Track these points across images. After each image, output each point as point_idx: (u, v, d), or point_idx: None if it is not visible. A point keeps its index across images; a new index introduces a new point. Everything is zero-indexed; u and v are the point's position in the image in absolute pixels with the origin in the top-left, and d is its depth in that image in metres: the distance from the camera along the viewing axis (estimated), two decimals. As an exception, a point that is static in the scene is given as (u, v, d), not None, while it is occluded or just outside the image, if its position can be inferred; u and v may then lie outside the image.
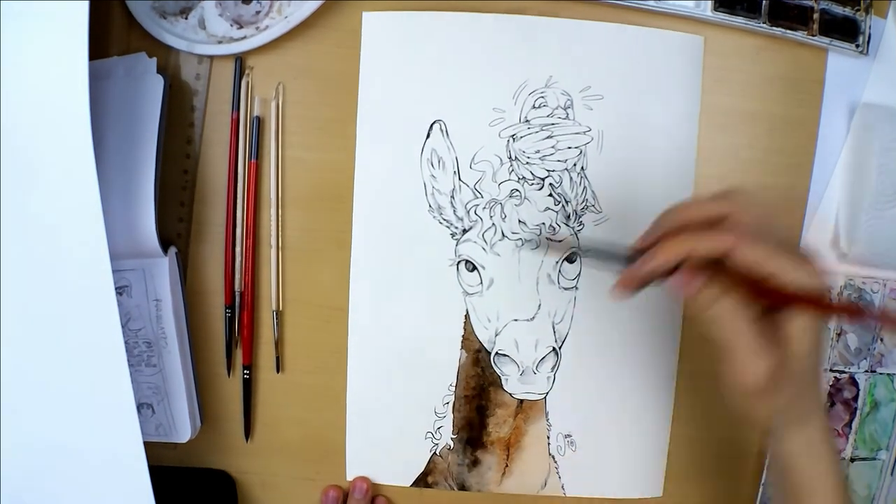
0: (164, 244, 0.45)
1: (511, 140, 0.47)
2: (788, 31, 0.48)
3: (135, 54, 0.46)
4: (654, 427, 0.50)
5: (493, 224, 0.47)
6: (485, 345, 0.48)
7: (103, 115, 0.44)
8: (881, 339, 0.51)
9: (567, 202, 0.47)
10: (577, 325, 0.48)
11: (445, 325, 0.48)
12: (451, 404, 0.49)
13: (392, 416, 0.49)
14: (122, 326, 0.45)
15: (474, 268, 0.47)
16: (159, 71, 0.45)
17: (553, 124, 0.47)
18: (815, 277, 0.33)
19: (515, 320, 0.48)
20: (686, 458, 0.50)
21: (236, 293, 0.48)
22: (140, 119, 0.44)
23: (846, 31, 0.48)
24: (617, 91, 0.47)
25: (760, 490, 0.50)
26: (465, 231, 0.47)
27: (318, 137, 0.48)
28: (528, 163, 0.47)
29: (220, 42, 0.46)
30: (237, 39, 0.46)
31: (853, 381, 0.51)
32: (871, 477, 0.52)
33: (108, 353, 0.40)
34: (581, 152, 0.47)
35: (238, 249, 0.48)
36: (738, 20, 0.47)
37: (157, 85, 0.44)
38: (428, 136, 0.47)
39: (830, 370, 0.50)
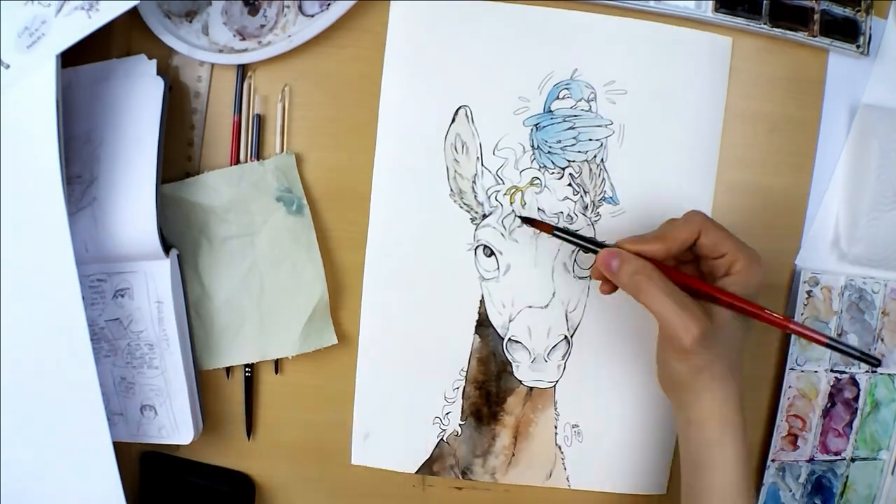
0: (166, 246, 0.44)
1: (534, 129, 0.47)
2: (789, 32, 0.48)
3: (135, 56, 0.45)
4: (660, 424, 0.50)
5: (513, 210, 0.47)
6: (498, 330, 0.48)
7: (103, 118, 0.44)
8: (881, 340, 0.51)
9: (586, 192, 0.48)
10: (590, 314, 0.48)
11: (461, 308, 0.48)
12: (461, 389, 0.49)
13: (402, 399, 0.49)
14: (125, 329, 0.45)
15: (492, 253, 0.48)
16: (160, 72, 0.44)
17: (576, 116, 0.47)
18: (760, 267, 0.39)
19: (529, 307, 0.48)
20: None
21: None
22: (140, 121, 0.44)
23: (847, 31, 0.49)
24: (641, 87, 0.47)
25: (763, 488, 0.50)
26: (484, 216, 0.48)
27: (321, 138, 0.48)
28: (549, 152, 0.47)
29: (220, 51, 0.46)
30: (238, 51, 0.46)
31: (854, 382, 0.51)
32: (872, 477, 0.52)
33: (76, 360, 0.41)
34: (602, 144, 0.48)
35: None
36: (740, 21, 0.47)
37: (157, 87, 0.44)
38: (453, 120, 0.47)
39: (831, 370, 0.50)
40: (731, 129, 0.49)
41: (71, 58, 0.42)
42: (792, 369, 0.50)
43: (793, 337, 0.49)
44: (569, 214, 0.48)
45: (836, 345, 0.37)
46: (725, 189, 0.49)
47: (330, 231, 0.48)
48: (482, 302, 0.48)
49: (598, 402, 0.49)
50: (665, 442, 0.50)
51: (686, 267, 0.42)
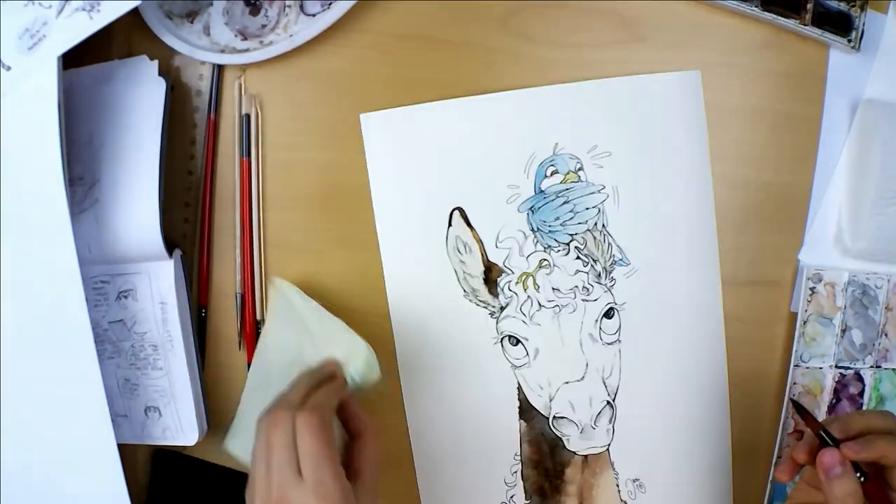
0: (169, 246, 0.44)
1: (530, 212, 0.47)
2: (780, 18, 0.47)
3: (136, 57, 0.45)
4: (715, 457, 0.50)
5: (529, 296, 0.47)
6: (541, 411, 0.48)
7: (105, 119, 0.44)
8: (885, 335, 0.51)
9: (595, 261, 0.48)
10: (627, 375, 0.48)
11: (500, 399, 0.48)
12: (518, 472, 0.49)
13: (464, 494, 0.49)
14: (128, 330, 0.45)
15: (518, 341, 0.48)
16: (162, 72, 0.44)
17: (567, 189, 0.47)
18: None
19: (567, 383, 0.48)
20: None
21: (237, 294, 0.48)
22: (142, 122, 0.44)
23: (839, 25, 0.48)
24: (623, 144, 0.47)
25: (769, 487, 0.50)
26: (502, 308, 0.48)
27: (322, 138, 0.48)
28: (550, 231, 0.47)
29: (222, 51, 0.46)
30: (240, 51, 0.45)
31: (859, 377, 0.51)
32: (877, 472, 0.52)
33: (80, 362, 0.41)
34: (599, 210, 0.47)
35: (238, 251, 0.48)
36: (730, 2, 0.47)
37: (158, 88, 0.44)
38: (449, 224, 0.47)
39: (836, 366, 0.50)
40: (733, 125, 0.49)
41: (72, 59, 0.42)
42: (797, 366, 0.49)
43: (797, 333, 0.49)
44: (584, 287, 0.47)
45: None
46: (728, 186, 0.49)
47: (330, 231, 0.48)
48: (519, 388, 0.48)
49: (654, 452, 0.49)
50: (723, 474, 0.50)
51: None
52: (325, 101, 0.47)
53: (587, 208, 0.47)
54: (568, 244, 0.47)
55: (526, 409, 0.48)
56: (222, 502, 0.48)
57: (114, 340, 0.46)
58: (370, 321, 0.48)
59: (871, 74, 0.50)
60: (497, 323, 0.48)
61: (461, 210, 0.47)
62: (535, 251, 0.47)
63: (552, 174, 0.47)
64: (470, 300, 0.48)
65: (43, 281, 0.41)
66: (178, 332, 0.45)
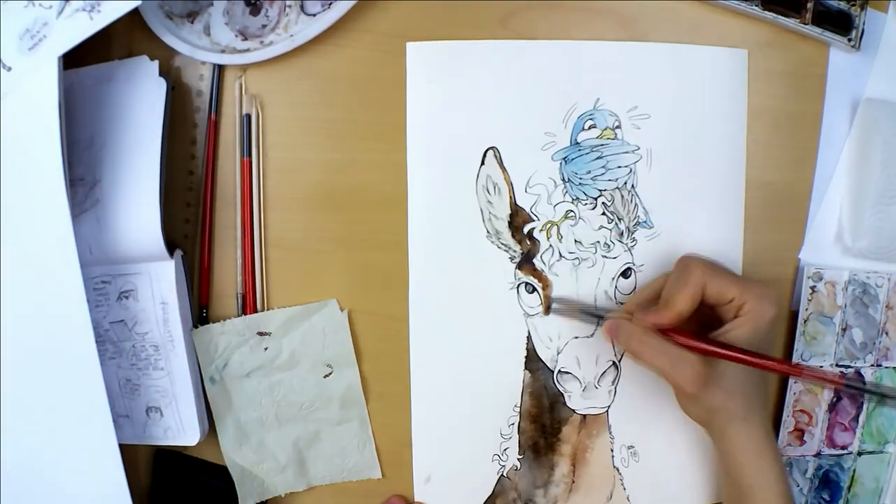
0: (170, 246, 0.44)
1: (563, 162, 0.47)
2: (780, 17, 0.48)
3: (136, 58, 0.45)
4: None
5: (551, 245, 0.48)
6: (547, 363, 0.48)
7: (106, 120, 0.44)
8: (886, 333, 0.51)
9: (620, 219, 0.48)
10: None
11: (508, 347, 0.48)
12: (515, 425, 0.49)
13: (459, 440, 0.49)
14: (129, 330, 0.45)
15: (534, 289, 0.48)
16: (162, 72, 0.44)
17: (602, 145, 0.47)
18: (771, 303, 0.41)
19: (576, 338, 0.48)
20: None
21: (238, 294, 0.48)
22: (143, 123, 0.44)
23: (839, 24, 0.48)
24: (663, 109, 0.48)
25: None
26: (522, 254, 0.48)
27: (321, 138, 0.48)
28: (580, 184, 0.47)
29: (223, 51, 0.46)
30: (240, 51, 0.45)
31: (859, 376, 0.51)
32: (878, 470, 0.52)
33: (81, 363, 0.41)
34: (631, 171, 0.48)
35: (239, 251, 0.48)
36: (731, 2, 0.47)
37: (159, 89, 0.44)
38: (482, 162, 0.47)
39: (836, 365, 0.50)
40: (734, 124, 0.49)
41: (72, 60, 0.42)
42: (797, 364, 0.50)
43: (798, 332, 0.49)
44: (605, 243, 0.48)
45: (854, 385, 0.38)
46: (729, 184, 0.49)
47: (331, 230, 0.48)
48: (529, 338, 0.48)
49: (651, 421, 0.49)
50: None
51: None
52: (326, 101, 0.47)
53: (619, 166, 0.48)
54: (596, 199, 0.48)
55: (532, 360, 0.49)
56: (223, 502, 0.48)
57: (115, 341, 0.46)
58: (372, 321, 0.48)
59: (871, 73, 0.50)
60: (516, 269, 0.48)
61: (496, 150, 0.47)
62: (563, 201, 0.48)
63: (590, 128, 0.47)
64: (492, 241, 0.48)
65: (44, 282, 0.41)
66: (180, 333, 0.45)
